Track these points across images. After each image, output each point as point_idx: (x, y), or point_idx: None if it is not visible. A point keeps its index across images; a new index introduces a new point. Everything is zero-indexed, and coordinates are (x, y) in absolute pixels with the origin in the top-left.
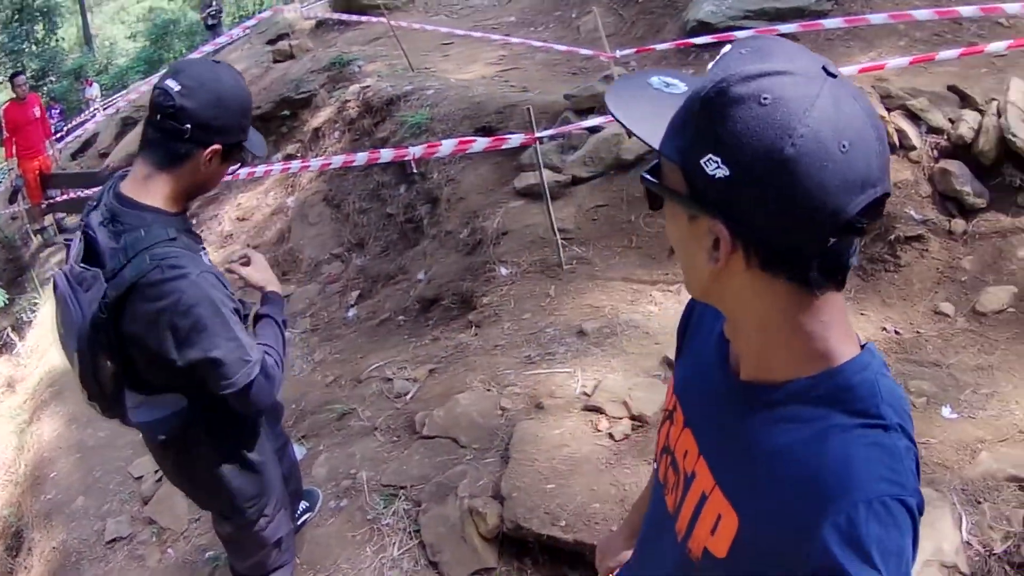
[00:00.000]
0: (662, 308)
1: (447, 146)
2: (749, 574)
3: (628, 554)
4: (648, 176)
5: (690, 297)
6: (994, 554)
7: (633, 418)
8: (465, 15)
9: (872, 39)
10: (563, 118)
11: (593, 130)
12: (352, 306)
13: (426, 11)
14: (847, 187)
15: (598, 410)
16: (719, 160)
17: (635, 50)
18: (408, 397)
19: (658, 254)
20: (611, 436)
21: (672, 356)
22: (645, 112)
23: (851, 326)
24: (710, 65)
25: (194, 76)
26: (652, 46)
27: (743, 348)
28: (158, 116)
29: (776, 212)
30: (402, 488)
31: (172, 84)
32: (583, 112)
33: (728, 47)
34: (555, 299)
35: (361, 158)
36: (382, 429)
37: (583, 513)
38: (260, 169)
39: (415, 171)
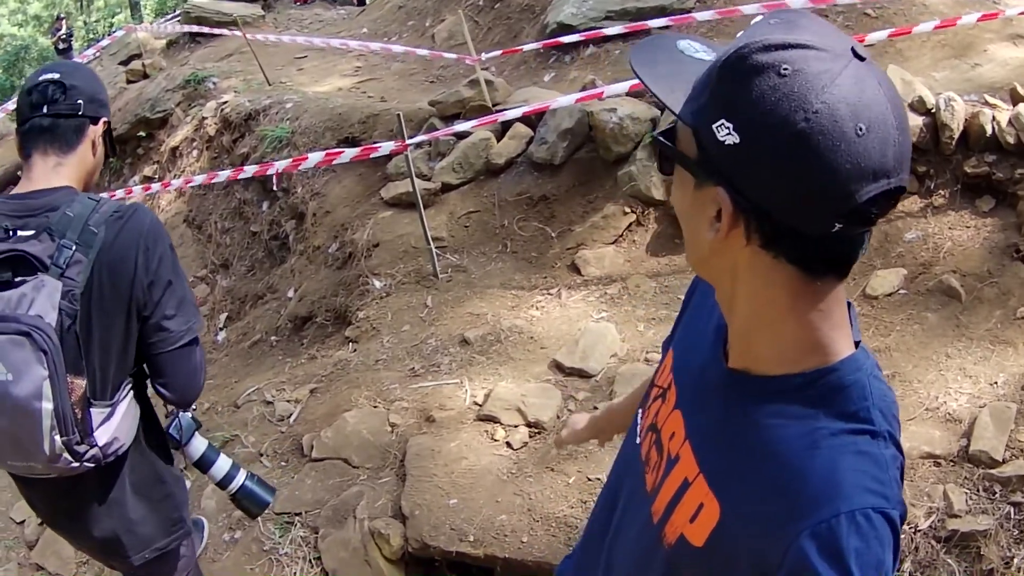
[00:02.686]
0: (544, 312)
1: (314, 158)
2: (719, 566)
3: (583, 429)
4: (661, 138)
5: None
6: (919, 530)
7: (529, 425)
8: (316, 29)
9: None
10: (429, 124)
11: (461, 136)
12: (221, 329)
13: (276, 26)
14: (859, 172)
15: (493, 419)
16: (731, 127)
17: (500, 52)
18: (291, 419)
19: (534, 258)
20: (509, 445)
21: (560, 359)
22: (666, 72)
23: (847, 320)
24: (739, 33)
25: (65, 65)
26: (519, 47)
27: (733, 331)
28: (46, 106)
29: (782, 187)
30: (297, 515)
31: (52, 75)
32: (449, 118)
33: (759, 17)
34: (433, 309)
35: (223, 174)
36: (269, 455)
37: (491, 527)
38: (119, 192)
39: (277, 187)
